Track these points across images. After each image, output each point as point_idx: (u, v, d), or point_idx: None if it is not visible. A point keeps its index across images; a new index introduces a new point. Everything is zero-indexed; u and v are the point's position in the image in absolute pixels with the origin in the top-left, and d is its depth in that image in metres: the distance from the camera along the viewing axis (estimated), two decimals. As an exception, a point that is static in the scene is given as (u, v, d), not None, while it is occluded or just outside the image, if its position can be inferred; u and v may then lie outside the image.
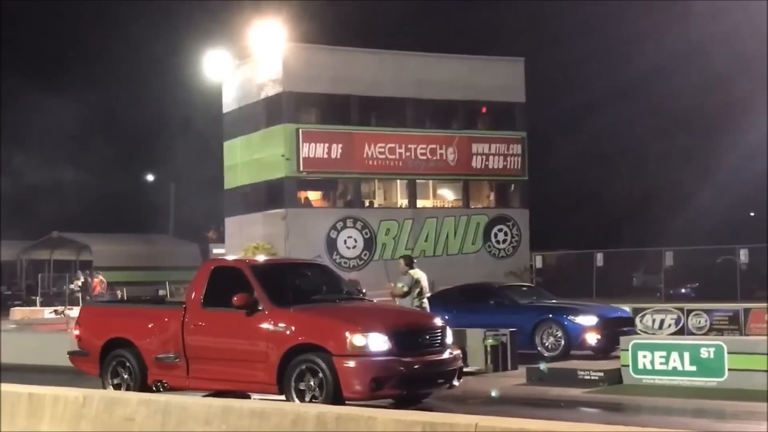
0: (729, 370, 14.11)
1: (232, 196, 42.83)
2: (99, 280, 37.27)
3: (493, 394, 14.40)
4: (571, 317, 19.66)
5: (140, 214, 59.63)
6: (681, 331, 15.49)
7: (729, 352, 14.20)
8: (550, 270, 40.57)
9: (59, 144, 60.83)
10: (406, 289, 17.82)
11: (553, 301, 21.82)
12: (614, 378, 15.01)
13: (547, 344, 19.59)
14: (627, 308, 19.60)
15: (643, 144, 55.61)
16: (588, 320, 19.53)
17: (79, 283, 39.99)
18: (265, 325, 12.63)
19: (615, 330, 18.36)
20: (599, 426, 6.05)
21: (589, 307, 20.78)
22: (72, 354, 14.95)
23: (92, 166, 61.23)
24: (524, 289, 22.87)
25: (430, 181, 42.27)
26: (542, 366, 15.53)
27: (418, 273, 18.25)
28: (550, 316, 19.88)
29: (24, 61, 60.88)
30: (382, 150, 39.74)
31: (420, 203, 41.46)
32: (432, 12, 57.96)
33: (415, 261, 19.35)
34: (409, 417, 6.78)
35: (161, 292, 39.83)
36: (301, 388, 12.09)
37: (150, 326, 13.83)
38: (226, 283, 13.18)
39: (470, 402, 13.72)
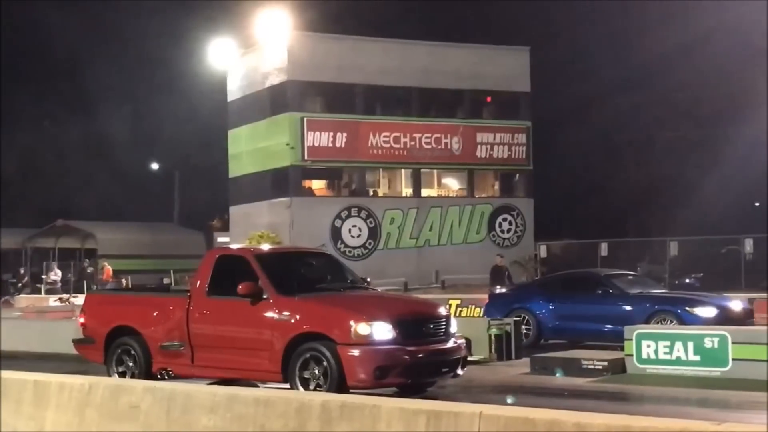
0: (733, 360, 14.10)
1: (236, 185, 42.90)
2: (108, 269, 37.41)
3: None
4: (688, 308, 18.03)
5: (145, 203, 59.67)
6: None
7: (733, 342, 14.18)
8: (554, 259, 40.51)
9: (64, 132, 60.91)
10: None
11: (664, 290, 20.57)
12: (618, 367, 15.01)
13: None
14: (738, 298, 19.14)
15: (649, 134, 55.54)
16: (707, 312, 17.91)
17: (53, 276, 39.90)
18: (269, 314, 12.65)
19: (735, 323, 16.91)
20: (603, 415, 6.06)
21: (706, 298, 19.13)
22: (77, 342, 15.00)
23: (97, 154, 61.27)
24: (630, 277, 21.07)
25: (435, 171, 42.32)
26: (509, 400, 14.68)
27: None
28: (666, 307, 18.26)
29: (28, 50, 60.87)
30: (387, 139, 39.76)
31: (425, 192, 41.51)
32: (438, 1, 57.84)
33: None
34: (413, 405, 6.80)
35: (166, 281, 39.91)
36: (306, 376, 12.11)
37: (155, 314, 13.86)
38: (231, 272, 13.20)
39: (474, 391, 13.74)
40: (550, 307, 19.73)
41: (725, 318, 17.64)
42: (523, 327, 19.54)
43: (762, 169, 44.76)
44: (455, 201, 41.80)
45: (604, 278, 20.05)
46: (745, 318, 18.15)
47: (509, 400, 12.72)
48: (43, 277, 41.25)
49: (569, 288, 20.28)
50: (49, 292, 36.97)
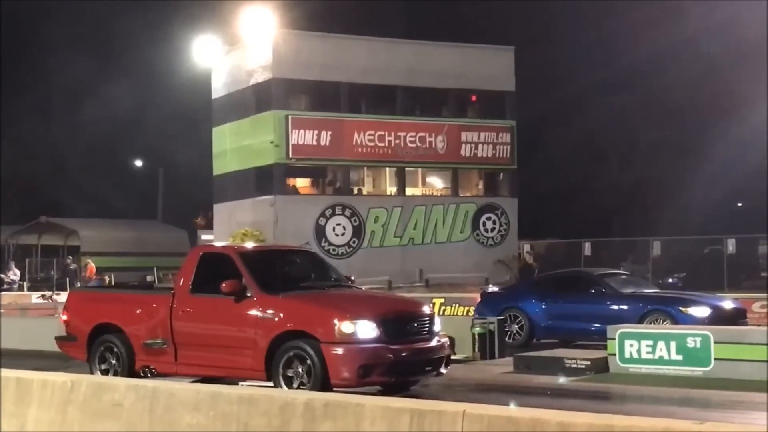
0: (715, 359, 14.16)
1: (221, 183, 42.79)
2: (91, 266, 37.17)
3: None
4: (681, 308, 17.79)
5: (129, 200, 59.50)
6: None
7: (715, 342, 14.24)
8: (538, 259, 40.61)
9: (48, 129, 60.65)
10: None
11: (657, 290, 20.56)
12: (601, 366, 15.06)
13: None
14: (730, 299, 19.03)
15: (633, 135, 55.80)
16: (700, 311, 17.68)
17: (11, 275, 39.45)
18: (253, 312, 12.63)
19: (728, 323, 16.82)
20: (586, 414, 6.08)
21: (700, 298, 18.82)
22: (59, 339, 14.93)
23: (81, 151, 61.06)
24: (623, 276, 20.90)
25: (419, 169, 42.31)
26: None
27: None
28: (659, 306, 18.04)
29: (12, 47, 60.55)
30: (372, 137, 39.73)
31: (409, 191, 41.50)
32: (423, 0, 57.88)
33: None
34: (396, 404, 6.80)
35: (149, 278, 39.78)
36: (289, 374, 12.09)
37: (138, 312, 13.82)
38: (215, 270, 13.16)
39: (458, 389, 13.75)
40: (543, 307, 19.61)
41: (718, 318, 17.44)
42: (516, 326, 19.56)
43: (745, 170, 45.05)
44: (439, 200, 41.80)
45: (597, 278, 19.87)
46: (738, 318, 18.00)
47: (512, 405, 12.73)
48: (2, 276, 40.80)
49: (562, 287, 20.09)
50: (7, 291, 36.45)
